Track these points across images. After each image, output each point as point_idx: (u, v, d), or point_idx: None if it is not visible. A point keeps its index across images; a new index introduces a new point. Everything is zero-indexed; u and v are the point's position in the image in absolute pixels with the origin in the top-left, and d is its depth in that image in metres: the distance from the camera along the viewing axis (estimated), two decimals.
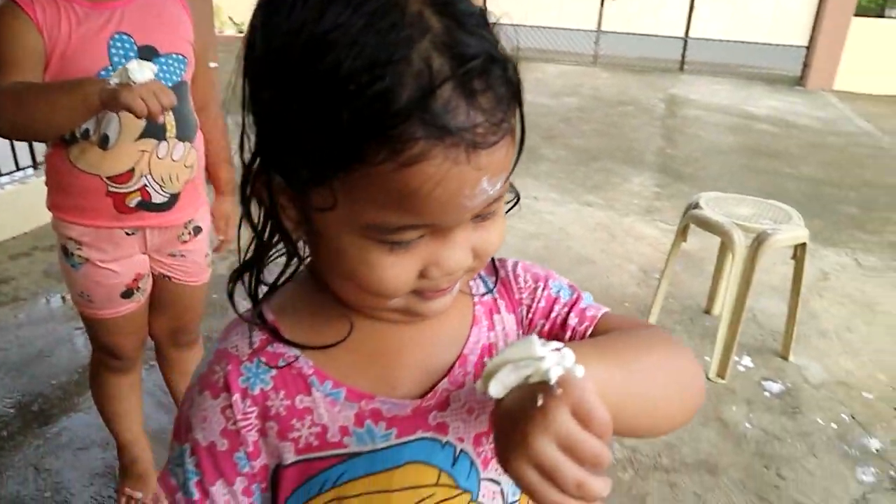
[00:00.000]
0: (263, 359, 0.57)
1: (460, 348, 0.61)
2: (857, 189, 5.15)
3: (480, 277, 0.65)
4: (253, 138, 0.52)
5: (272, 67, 0.46)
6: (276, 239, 0.55)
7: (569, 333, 0.63)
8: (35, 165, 3.69)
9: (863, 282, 3.55)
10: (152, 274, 1.68)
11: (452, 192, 0.45)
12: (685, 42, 10.58)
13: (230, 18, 11.72)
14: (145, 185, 1.51)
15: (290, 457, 0.57)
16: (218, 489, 0.56)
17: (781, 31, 10.18)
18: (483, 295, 0.64)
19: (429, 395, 0.59)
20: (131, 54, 1.42)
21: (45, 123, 1.33)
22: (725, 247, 2.68)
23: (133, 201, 1.50)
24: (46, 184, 1.55)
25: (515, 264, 0.67)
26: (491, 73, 0.44)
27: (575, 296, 0.66)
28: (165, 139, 1.50)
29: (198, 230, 1.70)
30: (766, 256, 2.58)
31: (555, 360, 0.43)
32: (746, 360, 2.76)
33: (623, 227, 4.06)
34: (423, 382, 0.59)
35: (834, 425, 2.41)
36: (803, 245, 2.60)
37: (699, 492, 2.06)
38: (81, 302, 1.62)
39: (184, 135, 1.54)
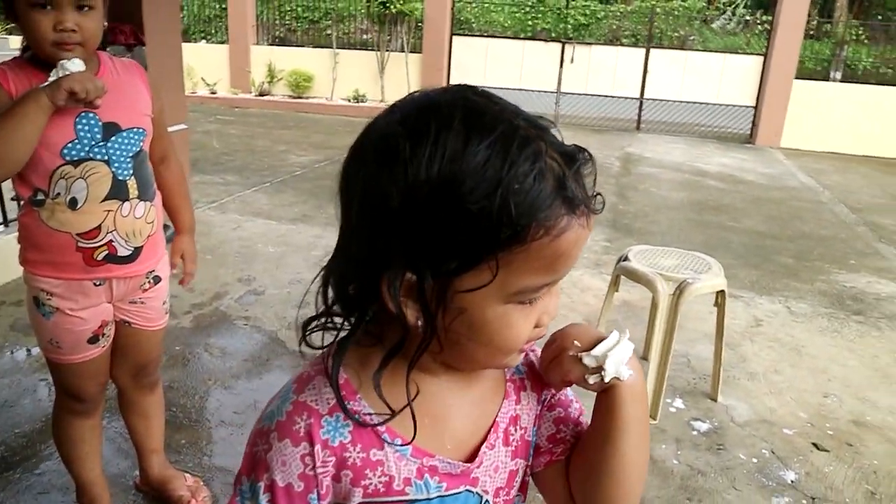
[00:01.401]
0: (342, 415, 0.67)
1: (494, 416, 0.76)
2: (794, 240, 5.47)
3: None
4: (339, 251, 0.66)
5: (434, 190, 0.56)
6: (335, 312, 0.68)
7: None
8: (6, 223, 3.83)
9: (792, 327, 3.79)
10: (115, 321, 1.84)
11: (579, 248, 0.62)
12: (640, 102, 11.10)
13: (202, 79, 12.04)
14: (111, 241, 1.67)
15: (357, 499, 0.68)
16: None
17: (730, 92, 10.75)
18: (513, 375, 0.80)
19: (476, 461, 0.74)
20: (96, 129, 1.62)
21: (18, 139, 1.48)
22: None
23: (101, 255, 1.68)
24: (19, 241, 1.71)
25: None
26: (587, 162, 0.62)
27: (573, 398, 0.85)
28: (129, 200, 1.69)
29: (157, 279, 1.87)
30: (689, 304, 2.81)
31: (615, 368, 0.69)
32: (678, 402, 2.95)
33: (571, 280, 4.29)
34: (465, 443, 0.74)
35: (755, 460, 2.60)
36: (722, 292, 2.84)
37: None
38: (50, 348, 1.76)
39: (144, 196, 1.74)
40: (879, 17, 17.25)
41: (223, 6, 13.26)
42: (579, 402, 0.84)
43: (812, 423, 2.86)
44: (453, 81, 11.57)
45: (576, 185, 0.59)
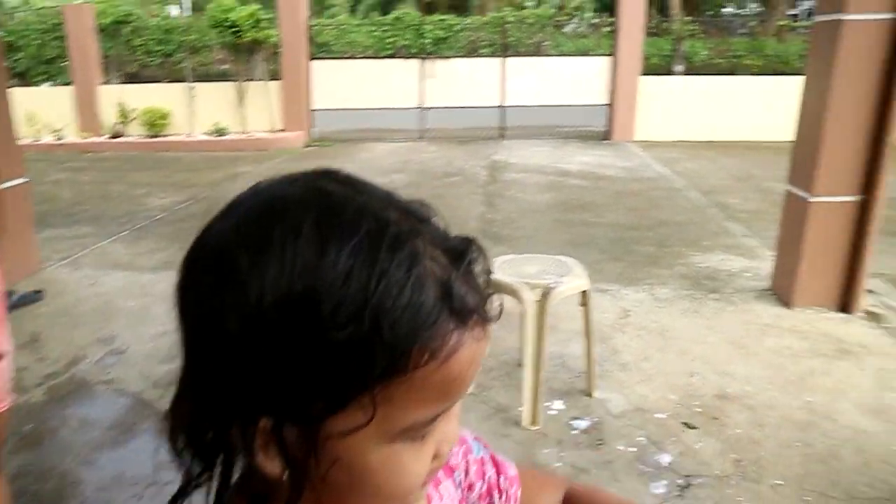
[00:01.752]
0: None
1: None
2: (653, 229, 5.79)
3: None
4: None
5: (284, 315, 0.44)
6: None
7: (502, 497, 0.73)
8: None
9: (657, 313, 3.99)
10: None
11: (476, 366, 0.49)
12: (503, 110, 11.44)
13: (48, 126, 11.28)
14: None
15: None
16: None
17: (585, 93, 11.28)
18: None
19: None
20: None
21: None
22: None
23: None
24: None
25: None
26: (477, 256, 0.49)
27: (489, 453, 0.74)
28: None
29: None
30: (556, 306, 2.89)
31: None
32: (558, 404, 3.03)
33: None
34: None
35: (632, 449, 2.70)
36: (585, 292, 2.94)
37: None
38: None
39: None
40: (710, 13, 18.74)
41: (66, 44, 12.49)
42: (486, 450, 0.75)
43: (681, 404, 3.02)
44: (316, 107, 11.48)
45: (466, 290, 0.47)
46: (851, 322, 3.78)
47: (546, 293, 2.79)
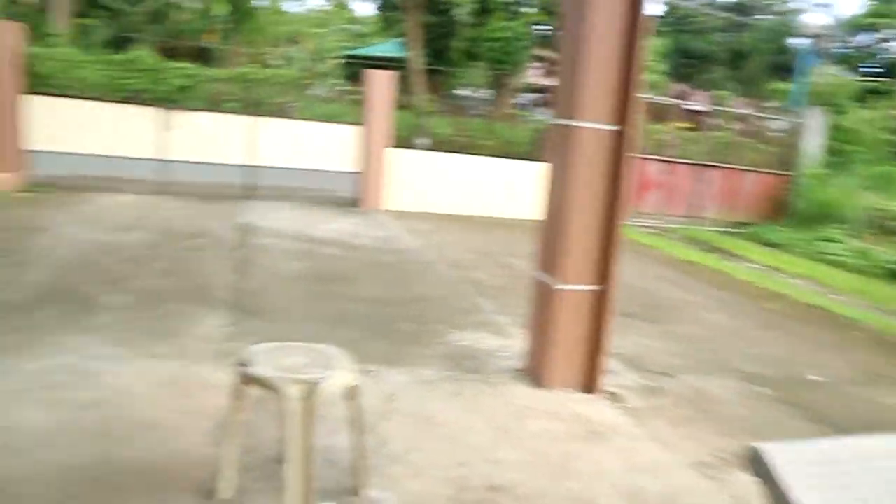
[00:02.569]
0: None
1: None
2: (411, 304, 5.78)
3: None
4: None
5: None
6: None
7: None
8: None
9: (422, 397, 3.88)
10: None
11: None
12: (252, 170, 10.95)
13: None
14: None
15: None
16: None
17: (335, 159, 11.26)
18: None
19: None
20: None
21: None
22: None
23: None
24: None
25: None
26: None
27: None
28: None
29: None
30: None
31: None
32: None
33: (196, 378, 3.80)
34: None
35: None
36: (355, 387, 2.72)
37: None
38: None
39: None
40: (447, 93, 20.17)
41: None
42: None
43: (454, 500, 2.89)
44: (34, 147, 9.94)
45: None
46: (595, 403, 4.03)
47: (311, 391, 2.51)
